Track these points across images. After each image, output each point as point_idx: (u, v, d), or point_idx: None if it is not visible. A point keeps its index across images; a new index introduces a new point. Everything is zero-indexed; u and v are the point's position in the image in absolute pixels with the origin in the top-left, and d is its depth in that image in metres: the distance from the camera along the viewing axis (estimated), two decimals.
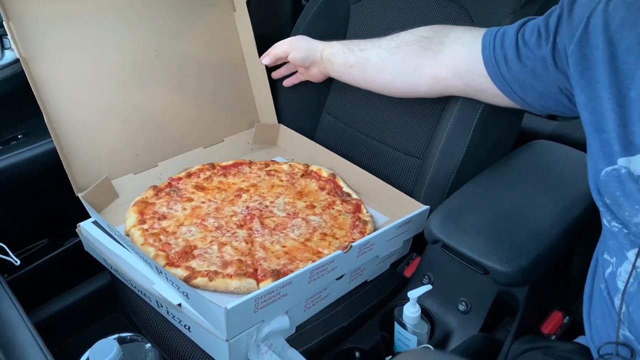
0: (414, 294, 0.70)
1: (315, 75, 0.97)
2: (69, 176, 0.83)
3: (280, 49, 0.97)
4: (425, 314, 0.76)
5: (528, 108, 0.70)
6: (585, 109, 0.55)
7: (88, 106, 0.87)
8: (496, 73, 0.69)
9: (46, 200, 0.98)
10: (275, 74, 1.05)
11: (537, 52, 0.63)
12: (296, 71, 1.03)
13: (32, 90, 0.79)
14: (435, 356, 0.46)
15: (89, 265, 0.87)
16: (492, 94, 0.71)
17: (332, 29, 1.04)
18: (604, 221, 0.56)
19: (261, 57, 1.01)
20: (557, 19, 0.61)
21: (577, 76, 0.56)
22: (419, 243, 0.85)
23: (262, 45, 1.04)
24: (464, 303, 0.74)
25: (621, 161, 0.51)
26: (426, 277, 0.79)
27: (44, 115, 0.81)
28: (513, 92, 0.69)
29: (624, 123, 0.51)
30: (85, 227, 0.82)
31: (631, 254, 0.51)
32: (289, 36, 1.07)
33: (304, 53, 0.94)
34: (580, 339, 0.66)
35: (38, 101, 0.80)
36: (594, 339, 0.59)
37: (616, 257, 0.54)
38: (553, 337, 0.74)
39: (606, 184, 0.52)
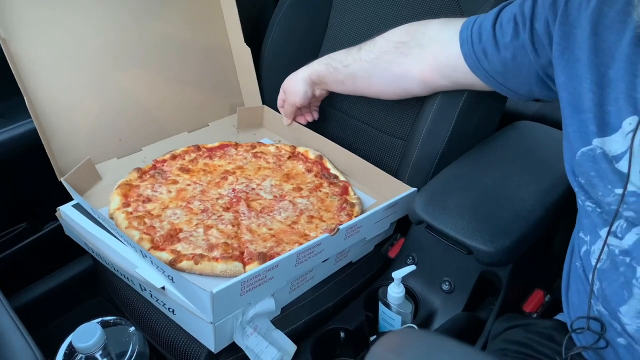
0: (398, 274, 0.71)
1: (323, 93, 0.95)
2: (50, 159, 0.81)
3: (290, 105, 0.96)
4: (409, 294, 0.77)
5: (514, 96, 0.70)
6: (565, 89, 0.55)
7: (69, 87, 0.85)
8: (478, 67, 0.69)
9: (24, 183, 0.96)
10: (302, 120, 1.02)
11: (515, 41, 0.63)
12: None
13: (7, 71, 0.77)
14: (419, 335, 0.47)
15: (70, 249, 0.86)
16: (480, 86, 0.72)
17: (315, 8, 1.03)
18: (579, 201, 0.57)
19: (285, 122, 1.01)
20: (531, 3, 0.60)
21: (557, 55, 0.55)
22: (403, 224, 0.86)
23: (247, 26, 1.02)
24: (447, 283, 0.75)
25: (596, 141, 0.51)
26: (410, 257, 0.80)
27: (24, 96, 0.78)
28: (497, 83, 0.69)
29: (600, 103, 0.50)
30: (65, 211, 0.80)
31: (604, 232, 0.52)
32: (270, 16, 1.05)
33: (302, 90, 0.91)
34: (559, 316, 0.68)
35: (18, 82, 0.78)
36: (570, 315, 0.61)
37: (590, 236, 0.55)
38: (534, 315, 0.76)
39: (581, 165, 0.53)
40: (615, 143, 0.49)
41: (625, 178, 0.48)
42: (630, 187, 0.48)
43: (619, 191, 0.49)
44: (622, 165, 0.49)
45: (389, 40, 0.79)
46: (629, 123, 0.48)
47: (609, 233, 0.51)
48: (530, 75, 0.64)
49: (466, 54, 0.69)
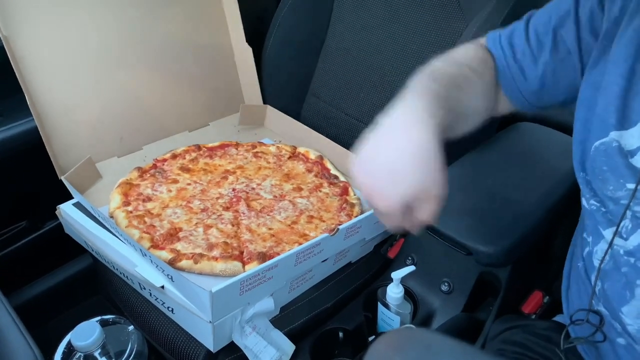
0: (397, 274, 0.71)
1: None
2: (50, 157, 0.82)
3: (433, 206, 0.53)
4: (409, 294, 0.77)
5: (536, 109, 0.63)
6: (595, 86, 0.52)
7: (70, 86, 0.86)
8: (512, 88, 0.61)
9: (24, 182, 0.96)
10: None
11: (555, 54, 0.57)
12: None
13: (8, 69, 0.77)
14: (420, 333, 0.47)
15: (69, 247, 0.86)
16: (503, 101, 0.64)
17: (317, 8, 1.03)
18: (583, 200, 0.56)
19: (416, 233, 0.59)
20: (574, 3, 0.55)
21: (597, 54, 0.52)
22: None
23: (248, 26, 1.02)
24: (446, 283, 0.75)
25: (613, 134, 0.50)
26: (409, 258, 0.80)
27: (25, 94, 0.79)
28: (526, 102, 0.62)
29: (624, 96, 0.49)
30: (65, 209, 0.80)
31: (607, 233, 0.52)
32: (272, 15, 1.05)
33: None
34: (558, 317, 0.68)
35: (19, 80, 0.78)
36: (570, 315, 0.60)
37: (593, 237, 0.55)
38: (533, 317, 0.76)
39: (594, 159, 0.52)
40: (632, 137, 0.48)
41: (638, 173, 0.47)
42: None
43: (631, 186, 0.48)
44: (637, 161, 0.48)
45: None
46: None
47: (615, 233, 0.51)
48: (568, 86, 0.58)
49: (501, 72, 0.60)
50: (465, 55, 0.60)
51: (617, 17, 0.51)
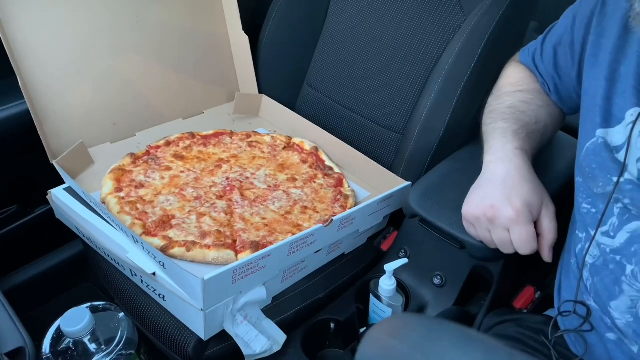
0: (390, 267, 0.71)
1: None
2: (43, 141, 0.81)
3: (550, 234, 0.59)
4: (401, 287, 0.77)
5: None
6: (586, 93, 0.56)
7: (64, 70, 0.85)
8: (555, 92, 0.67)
9: (15, 166, 0.95)
10: None
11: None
12: None
13: (1, 52, 0.75)
14: (418, 319, 0.47)
15: (60, 232, 0.85)
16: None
17: None
18: (579, 199, 0.57)
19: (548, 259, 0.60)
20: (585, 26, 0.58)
21: (589, 64, 0.56)
22: (396, 217, 0.86)
23: (245, 14, 1.01)
24: (439, 277, 0.75)
25: (599, 132, 0.52)
26: (402, 250, 0.80)
27: (18, 77, 0.77)
28: (571, 103, 0.66)
29: (608, 96, 0.52)
30: (56, 194, 0.79)
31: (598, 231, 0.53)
32: (269, 4, 1.04)
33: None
34: (550, 312, 0.68)
35: (12, 63, 0.77)
36: (561, 310, 0.61)
37: (586, 234, 0.56)
38: (525, 312, 0.76)
39: (586, 159, 0.54)
40: (618, 134, 0.51)
41: (621, 166, 0.49)
42: (627, 176, 0.49)
43: (617, 179, 0.50)
44: (622, 156, 0.50)
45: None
46: (630, 114, 0.50)
47: (600, 223, 0.52)
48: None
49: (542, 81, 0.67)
50: (511, 82, 0.69)
51: (605, 28, 0.54)
